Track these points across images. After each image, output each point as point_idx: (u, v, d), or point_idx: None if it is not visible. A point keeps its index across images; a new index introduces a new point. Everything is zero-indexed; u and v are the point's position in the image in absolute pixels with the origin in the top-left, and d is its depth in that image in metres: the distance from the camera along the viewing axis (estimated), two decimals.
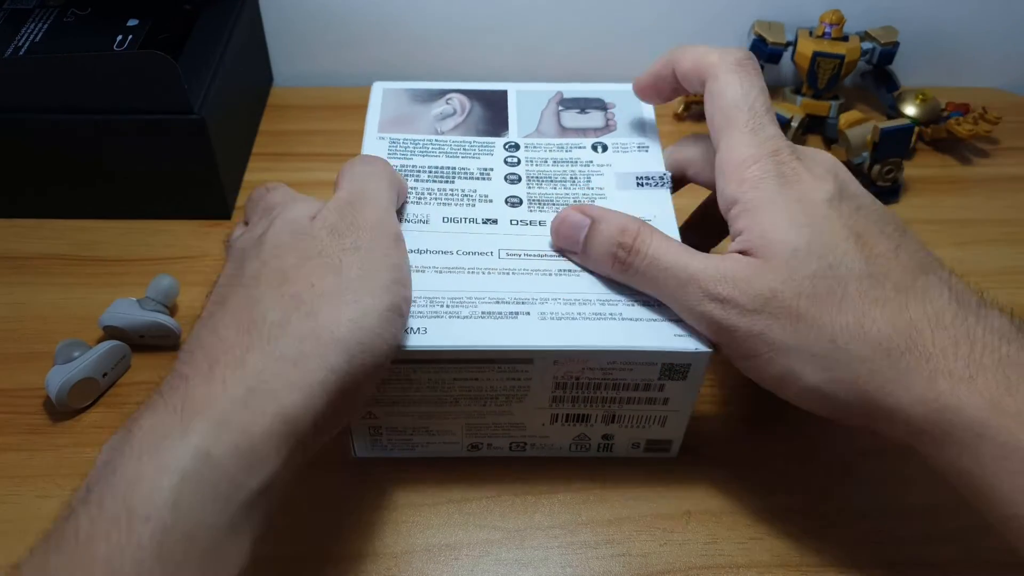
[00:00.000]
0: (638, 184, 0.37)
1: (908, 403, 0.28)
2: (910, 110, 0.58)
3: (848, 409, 0.30)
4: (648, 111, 0.42)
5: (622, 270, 0.33)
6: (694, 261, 0.31)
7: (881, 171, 0.52)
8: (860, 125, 0.54)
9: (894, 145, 0.52)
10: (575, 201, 0.37)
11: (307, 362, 0.26)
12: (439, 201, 0.37)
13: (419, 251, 0.34)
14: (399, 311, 0.30)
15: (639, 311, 0.33)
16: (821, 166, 0.32)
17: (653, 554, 0.35)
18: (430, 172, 0.38)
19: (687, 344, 0.32)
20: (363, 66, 0.64)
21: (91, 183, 0.49)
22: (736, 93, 0.33)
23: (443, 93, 0.42)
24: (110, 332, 0.42)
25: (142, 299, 0.43)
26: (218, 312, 0.28)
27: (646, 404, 0.35)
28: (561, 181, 0.38)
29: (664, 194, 0.37)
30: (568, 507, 0.37)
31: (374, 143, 0.39)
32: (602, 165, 0.39)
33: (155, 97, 0.45)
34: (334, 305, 0.28)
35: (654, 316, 0.33)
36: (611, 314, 0.33)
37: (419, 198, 0.37)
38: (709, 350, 0.32)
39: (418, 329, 0.32)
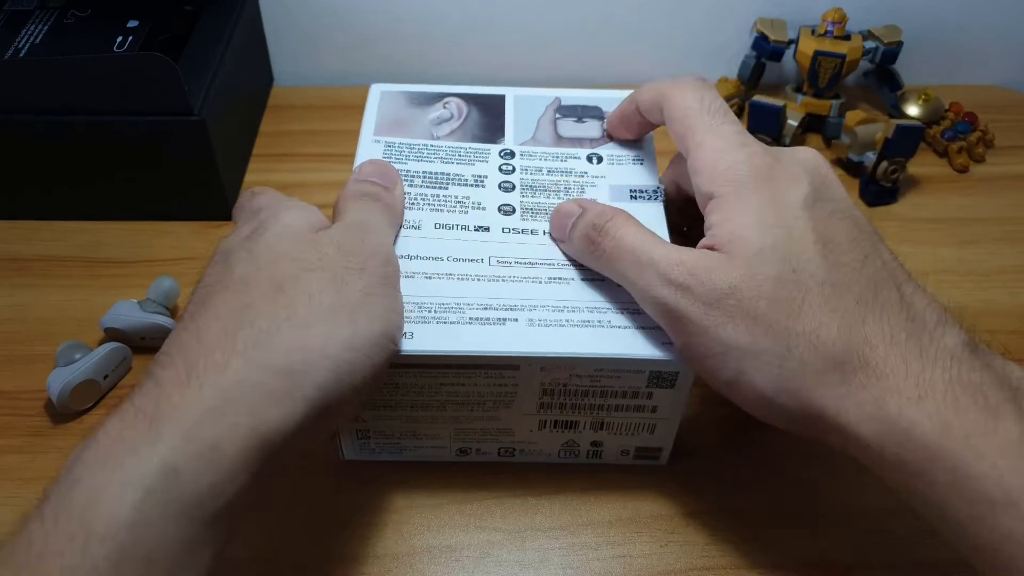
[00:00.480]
0: (632, 196, 0.37)
1: (857, 421, 0.27)
2: (913, 110, 0.58)
3: (798, 422, 0.29)
4: None
5: (592, 251, 0.33)
6: (658, 248, 0.31)
7: (887, 170, 0.52)
8: (870, 124, 0.54)
9: (905, 144, 0.52)
10: None
11: (293, 376, 0.25)
12: (432, 207, 0.37)
13: (409, 256, 0.34)
14: (392, 339, 0.30)
15: (628, 319, 0.33)
16: (799, 165, 0.31)
17: (654, 555, 0.35)
18: (424, 177, 0.38)
19: (675, 352, 0.32)
20: (363, 66, 0.64)
21: (91, 185, 0.49)
22: (688, 101, 0.34)
23: (441, 97, 0.42)
24: (111, 334, 0.42)
25: (143, 301, 0.43)
26: (201, 314, 0.27)
27: (634, 412, 0.35)
28: (555, 191, 0.38)
29: (657, 207, 0.37)
30: (569, 508, 0.37)
31: (369, 145, 0.39)
32: (596, 176, 0.38)
33: (155, 99, 0.46)
34: (329, 322, 0.27)
35: (643, 324, 0.33)
36: (599, 322, 0.33)
37: (412, 203, 0.37)
38: None
39: (406, 334, 0.31)
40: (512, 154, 0.39)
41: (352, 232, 0.31)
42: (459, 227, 0.36)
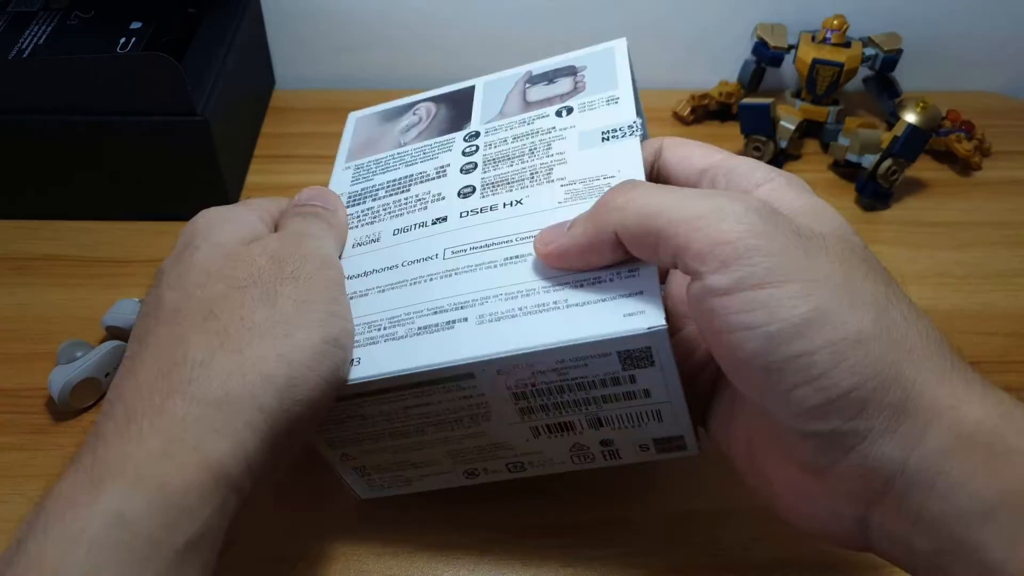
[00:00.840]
0: (604, 139, 0.34)
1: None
2: (911, 117, 0.58)
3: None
4: (622, 62, 0.37)
5: (613, 200, 0.27)
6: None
7: (888, 169, 0.52)
8: (872, 128, 0.55)
9: (912, 145, 0.52)
10: (532, 174, 0.33)
11: (233, 404, 0.25)
12: (392, 214, 0.35)
13: (365, 273, 0.32)
14: (337, 343, 0.28)
15: (587, 293, 0.29)
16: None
17: (654, 554, 0.35)
18: (387, 187, 0.36)
19: (637, 323, 0.27)
20: (364, 69, 0.64)
21: (94, 184, 0.50)
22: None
23: (411, 106, 0.40)
24: (112, 332, 0.42)
25: (144, 300, 0.43)
26: (139, 354, 0.26)
27: (625, 400, 0.30)
28: (519, 156, 0.35)
29: (632, 143, 0.33)
30: (569, 507, 0.37)
31: (340, 175, 0.38)
32: (565, 128, 0.35)
33: (158, 99, 0.46)
34: (263, 339, 0.26)
35: (603, 295, 0.28)
36: (555, 303, 0.29)
37: (374, 217, 0.35)
38: (662, 324, 0.27)
39: (354, 360, 0.30)
40: (476, 135, 0.37)
41: (288, 239, 0.30)
42: (417, 226, 0.34)
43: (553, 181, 0.33)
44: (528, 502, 0.37)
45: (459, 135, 0.37)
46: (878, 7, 0.61)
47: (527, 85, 0.38)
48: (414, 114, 0.40)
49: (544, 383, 0.30)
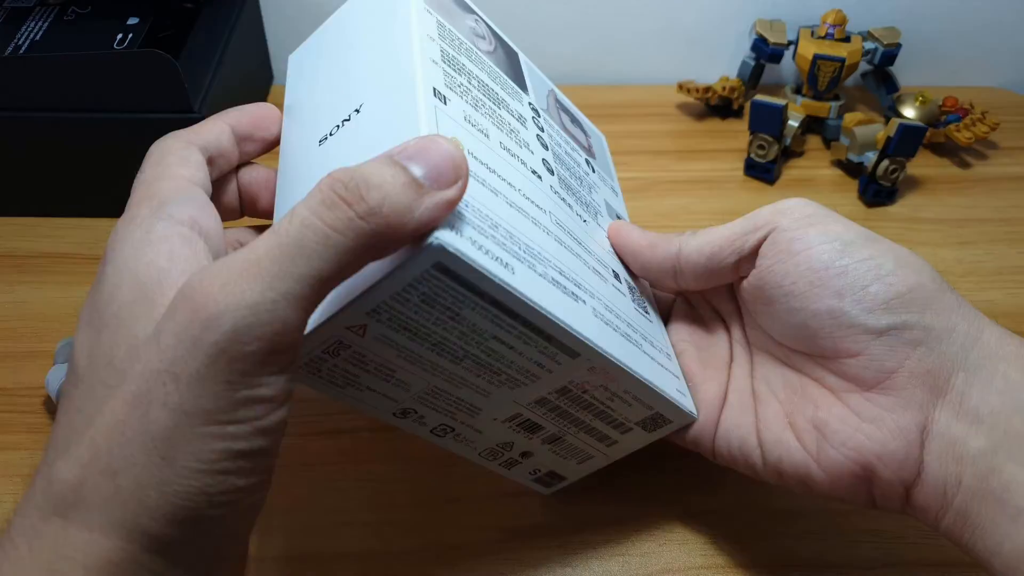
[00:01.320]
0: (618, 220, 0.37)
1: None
2: (909, 112, 0.58)
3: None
4: (610, 162, 0.42)
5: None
6: None
7: (888, 169, 0.52)
8: (868, 124, 0.54)
9: (907, 143, 0.52)
10: (586, 204, 0.35)
11: (119, 528, 0.21)
12: (492, 120, 0.30)
13: (488, 167, 0.27)
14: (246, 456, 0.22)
15: (655, 351, 0.32)
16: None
17: (652, 554, 0.35)
18: (479, 82, 0.31)
19: (686, 403, 0.32)
20: None
21: (91, 182, 0.49)
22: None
23: (471, 11, 0.35)
24: None
25: None
26: (46, 449, 0.23)
27: (598, 440, 0.33)
28: (575, 175, 0.35)
29: None
30: (568, 506, 0.37)
31: (421, 15, 0.30)
32: (595, 183, 0.37)
33: (155, 95, 0.45)
34: (136, 466, 0.21)
35: (663, 363, 0.32)
36: (638, 343, 0.31)
37: (475, 105, 0.29)
38: (696, 416, 0.33)
39: (506, 264, 0.25)
40: (538, 113, 0.35)
41: (188, 331, 0.21)
42: (520, 161, 0.30)
43: (600, 227, 0.35)
44: (527, 502, 0.37)
45: (524, 97, 0.35)
46: (876, 4, 0.61)
47: (557, 105, 0.39)
48: (477, 23, 0.35)
49: (592, 395, 0.31)
